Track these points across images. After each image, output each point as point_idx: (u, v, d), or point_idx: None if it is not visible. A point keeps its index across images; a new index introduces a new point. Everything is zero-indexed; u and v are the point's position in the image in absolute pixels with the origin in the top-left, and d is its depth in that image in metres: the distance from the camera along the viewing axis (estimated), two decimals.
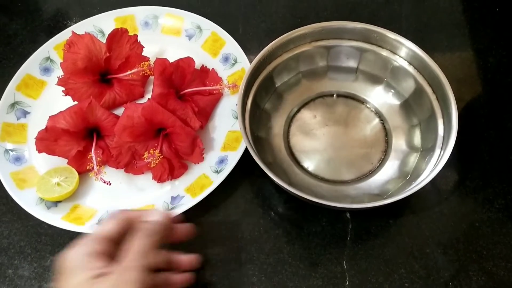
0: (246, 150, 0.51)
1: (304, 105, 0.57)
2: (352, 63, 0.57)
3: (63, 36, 0.62)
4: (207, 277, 0.49)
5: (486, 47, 0.63)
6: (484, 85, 0.60)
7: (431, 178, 0.45)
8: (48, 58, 0.61)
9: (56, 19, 0.68)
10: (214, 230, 0.51)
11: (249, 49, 0.62)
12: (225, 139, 0.55)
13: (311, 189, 0.51)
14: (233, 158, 0.52)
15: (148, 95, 0.58)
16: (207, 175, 0.53)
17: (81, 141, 0.53)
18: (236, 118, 0.55)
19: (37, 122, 0.57)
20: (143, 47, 0.58)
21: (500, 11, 0.66)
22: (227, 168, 0.51)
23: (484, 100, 0.59)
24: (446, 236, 0.50)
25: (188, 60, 0.57)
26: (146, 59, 0.58)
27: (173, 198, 0.51)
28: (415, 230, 0.50)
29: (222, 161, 0.53)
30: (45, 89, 0.60)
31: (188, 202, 0.50)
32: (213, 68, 0.59)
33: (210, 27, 0.62)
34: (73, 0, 0.70)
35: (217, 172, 0.52)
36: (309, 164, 0.54)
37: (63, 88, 0.55)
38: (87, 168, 0.52)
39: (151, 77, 0.59)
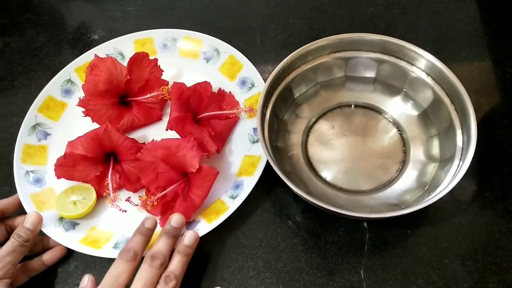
0: (265, 159, 0.52)
1: (322, 115, 0.58)
2: (370, 74, 0.57)
3: (84, 58, 0.63)
4: (225, 284, 0.49)
5: (505, 57, 0.62)
6: (503, 96, 0.60)
7: (450, 189, 0.45)
8: (69, 80, 0.62)
9: (80, 32, 0.70)
10: (232, 238, 0.52)
11: (267, 61, 0.64)
12: (241, 163, 0.54)
13: (329, 199, 0.52)
14: (249, 183, 0.52)
15: (166, 118, 0.58)
16: (222, 200, 0.52)
17: (98, 166, 0.53)
18: (253, 142, 0.56)
19: (57, 144, 0.58)
20: (163, 71, 0.58)
21: None
22: (243, 193, 0.51)
23: (503, 111, 0.58)
24: (464, 247, 0.50)
25: (205, 85, 0.57)
26: (166, 83, 0.58)
27: (189, 223, 0.51)
28: (433, 240, 0.50)
29: (238, 186, 0.53)
30: (65, 111, 0.61)
31: (204, 227, 0.50)
32: (230, 92, 0.59)
33: (227, 50, 0.62)
34: (97, 14, 0.72)
35: (233, 197, 0.52)
36: (327, 174, 0.54)
37: (83, 110, 0.55)
38: (104, 195, 0.53)
39: (170, 101, 0.59)
